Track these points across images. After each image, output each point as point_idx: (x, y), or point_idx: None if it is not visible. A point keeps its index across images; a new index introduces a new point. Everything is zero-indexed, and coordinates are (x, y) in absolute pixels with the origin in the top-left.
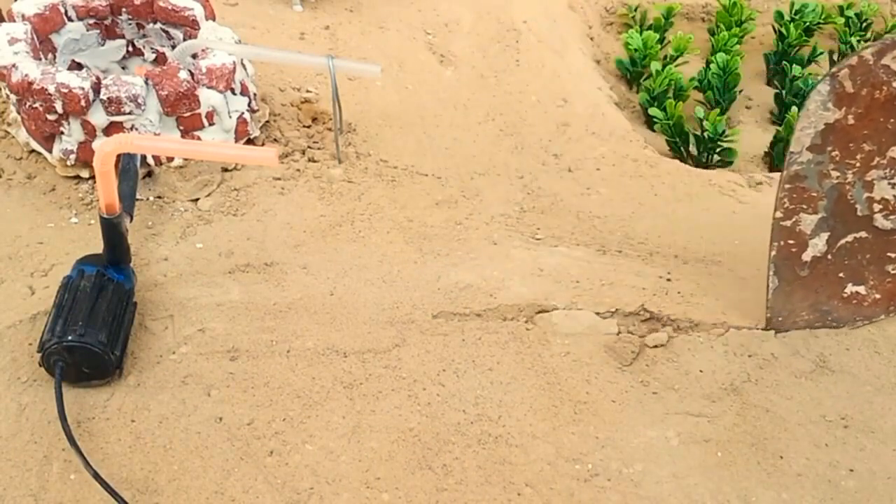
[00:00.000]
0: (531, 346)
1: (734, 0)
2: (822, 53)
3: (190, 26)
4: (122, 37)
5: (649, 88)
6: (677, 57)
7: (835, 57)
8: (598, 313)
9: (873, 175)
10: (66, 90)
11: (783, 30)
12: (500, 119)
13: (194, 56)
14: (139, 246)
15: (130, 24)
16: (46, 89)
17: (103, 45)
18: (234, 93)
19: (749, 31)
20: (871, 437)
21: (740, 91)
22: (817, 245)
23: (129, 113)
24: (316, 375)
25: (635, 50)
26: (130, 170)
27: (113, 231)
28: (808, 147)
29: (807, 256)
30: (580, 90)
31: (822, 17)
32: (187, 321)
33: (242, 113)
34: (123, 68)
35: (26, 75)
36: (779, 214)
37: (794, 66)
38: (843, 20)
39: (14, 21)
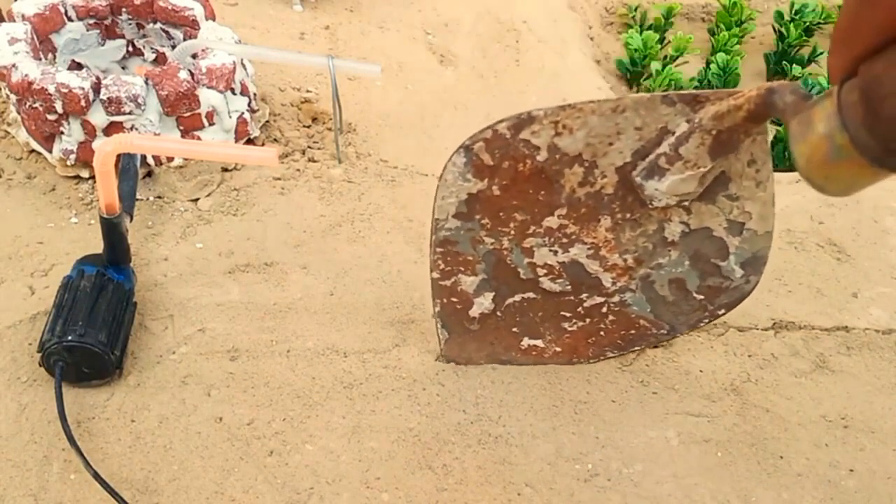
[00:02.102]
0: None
1: (734, 0)
2: (822, 53)
3: (190, 26)
4: (122, 37)
5: (649, 88)
6: (677, 57)
7: None
8: None
9: (531, 242)
10: (66, 90)
11: (783, 30)
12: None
13: (194, 56)
14: (139, 246)
15: (130, 24)
16: (46, 89)
17: (103, 45)
18: (234, 93)
19: (749, 31)
20: (871, 437)
21: None
22: (483, 304)
23: (129, 113)
24: (316, 375)
25: (635, 50)
26: (130, 170)
27: (113, 231)
28: (453, 215)
29: (474, 313)
30: (580, 90)
31: (822, 16)
32: (187, 321)
33: (242, 113)
34: (123, 68)
35: (26, 75)
36: (436, 275)
37: (794, 66)
38: None
39: (14, 21)
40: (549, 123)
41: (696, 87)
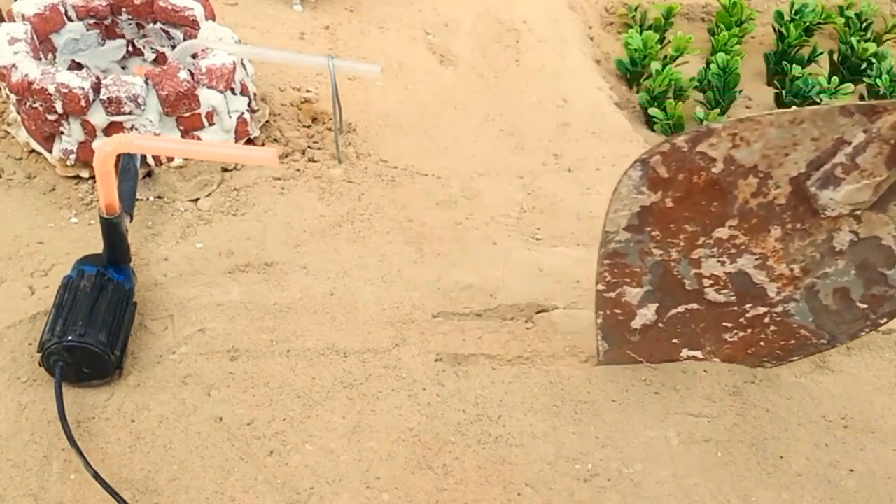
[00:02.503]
0: (531, 345)
1: (734, 0)
2: (822, 53)
3: (190, 26)
4: (122, 37)
5: (649, 88)
6: (677, 57)
7: (835, 57)
8: None
9: (700, 253)
10: (66, 90)
11: (783, 30)
12: (500, 119)
13: (194, 56)
14: (139, 246)
15: (130, 23)
16: (46, 89)
17: (103, 45)
18: (234, 93)
19: (749, 31)
20: (871, 437)
21: (740, 91)
22: (646, 315)
23: (129, 113)
24: (316, 375)
25: (635, 50)
26: (130, 170)
27: (113, 231)
28: (624, 227)
29: (636, 325)
30: (580, 90)
31: (822, 16)
32: (187, 321)
33: (242, 113)
34: (123, 68)
35: (26, 75)
36: (601, 287)
37: (794, 66)
38: (843, 20)
39: (14, 21)
40: (727, 136)
41: (696, 87)
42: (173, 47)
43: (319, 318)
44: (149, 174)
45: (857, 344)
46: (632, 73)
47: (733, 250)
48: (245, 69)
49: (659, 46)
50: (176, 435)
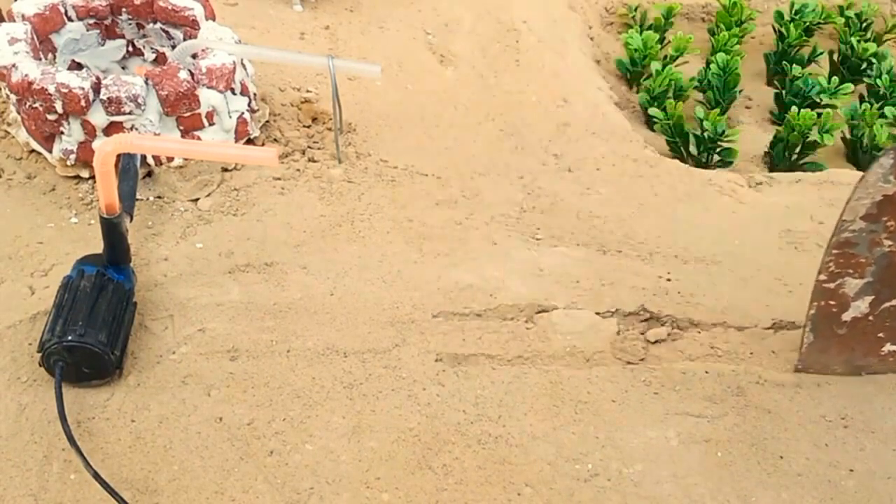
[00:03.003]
0: (531, 345)
1: (734, 0)
2: (821, 53)
3: (190, 26)
4: (122, 37)
5: (649, 88)
6: (677, 57)
7: (835, 57)
8: (598, 313)
9: None
10: (66, 90)
11: (783, 30)
12: (500, 119)
13: (194, 56)
14: (139, 246)
15: (130, 23)
16: (46, 89)
17: (103, 44)
18: (234, 93)
19: (749, 31)
20: (871, 437)
21: (740, 91)
22: (860, 307)
23: (129, 113)
24: (316, 375)
25: (635, 50)
26: (130, 170)
27: (113, 231)
28: (861, 216)
29: (847, 317)
30: (580, 90)
31: (822, 16)
32: (187, 321)
33: (242, 113)
34: (123, 68)
35: (26, 75)
36: (822, 277)
37: (794, 66)
38: (843, 20)
39: (14, 21)
40: None
41: (696, 87)
42: (173, 47)
43: (319, 318)
44: (149, 174)
45: None
46: (632, 73)
47: None
48: (245, 69)
49: (659, 46)
50: (176, 435)
